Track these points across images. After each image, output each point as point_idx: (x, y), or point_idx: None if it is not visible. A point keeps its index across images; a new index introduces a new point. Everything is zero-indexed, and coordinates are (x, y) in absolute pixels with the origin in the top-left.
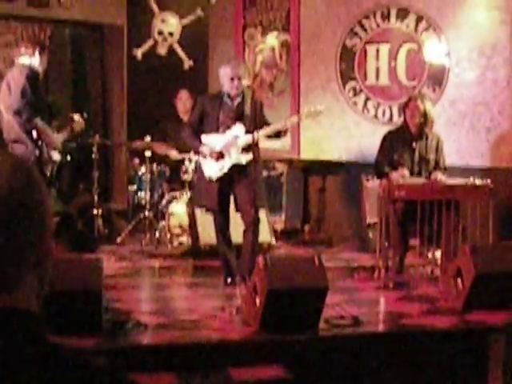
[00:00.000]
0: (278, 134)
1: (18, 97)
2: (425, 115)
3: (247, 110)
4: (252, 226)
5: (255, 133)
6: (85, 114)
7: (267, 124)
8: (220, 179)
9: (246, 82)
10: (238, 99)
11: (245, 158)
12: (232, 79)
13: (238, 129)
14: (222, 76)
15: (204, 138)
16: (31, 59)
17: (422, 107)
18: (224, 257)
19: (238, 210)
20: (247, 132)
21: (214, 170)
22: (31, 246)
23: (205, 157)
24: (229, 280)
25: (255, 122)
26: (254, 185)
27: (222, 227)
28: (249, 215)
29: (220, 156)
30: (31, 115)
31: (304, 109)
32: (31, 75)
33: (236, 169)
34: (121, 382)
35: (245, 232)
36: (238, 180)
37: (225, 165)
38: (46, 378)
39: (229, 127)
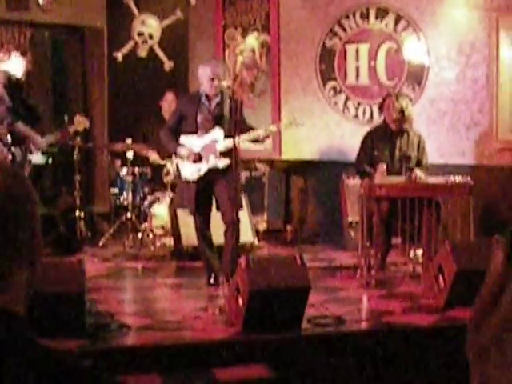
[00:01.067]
0: (256, 140)
1: None
2: (401, 112)
3: (226, 111)
4: (232, 226)
5: (235, 138)
6: (65, 117)
7: (246, 124)
8: (198, 181)
9: (225, 83)
10: (216, 100)
11: (222, 163)
12: (212, 79)
13: (217, 133)
14: (202, 75)
15: (182, 138)
16: (8, 64)
17: (398, 104)
18: (205, 257)
19: (218, 209)
20: (226, 136)
21: (190, 171)
22: (23, 249)
23: (182, 158)
24: (211, 280)
25: (234, 124)
26: (233, 186)
27: (202, 228)
28: (228, 216)
29: (197, 158)
30: (11, 122)
31: (284, 118)
32: (8, 81)
33: (214, 171)
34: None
35: (225, 232)
36: (217, 181)
37: (202, 167)
38: (36, 380)
39: (207, 129)
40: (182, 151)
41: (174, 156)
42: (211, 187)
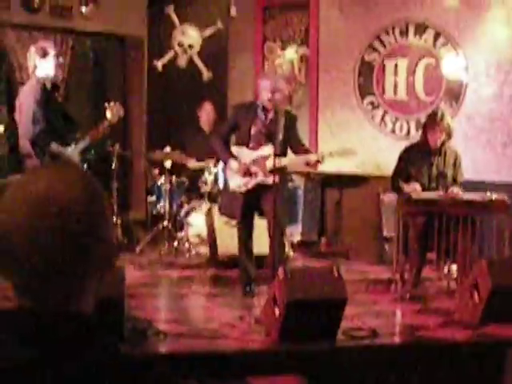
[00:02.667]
0: (308, 164)
1: (31, 126)
2: (448, 132)
3: (280, 127)
4: (276, 241)
5: (284, 159)
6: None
7: (301, 145)
8: (245, 193)
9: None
10: (272, 114)
11: (271, 180)
12: (273, 92)
13: (269, 149)
14: (263, 87)
15: (234, 149)
16: (45, 70)
17: (445, 123)
18: (243, 266)
19: (262, 216)
20: (277, 154)
21: (238, 183)
22: (99, 256)
23: (232, 170)
24: (247, 288)
25: (286, 141)
26: (279, 200)
27: (245, 239)
28: (274, 230)
29: (247, 172)
30: (45, 144)
31: (336, 147)
32: (43, 96)
33: (262, 186)
34: None
35: (271, 243)
36: (264, 195)
37: (250, 182)
38: (114, 380)
39: (259, 142)
40: (233, 164)
41: (215, 165)
42: (258, 201)
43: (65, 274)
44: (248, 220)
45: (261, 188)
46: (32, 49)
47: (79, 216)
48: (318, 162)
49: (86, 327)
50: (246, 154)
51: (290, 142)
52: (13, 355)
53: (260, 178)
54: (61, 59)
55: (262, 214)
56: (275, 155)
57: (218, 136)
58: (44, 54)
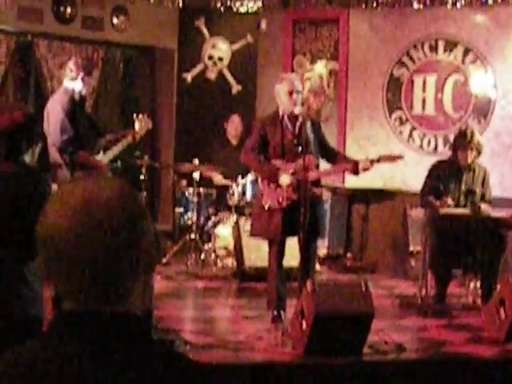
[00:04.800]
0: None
1: (59, 134)
2: (478, 150)
3: (309, 134)
4: (310, 261)
5: (329, 169)
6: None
7: (331, 147)
8: (285, 208)
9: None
10: (299, 120)
11: (314, 192)
12: (290, 93)
13: (309, 160)
14: (279, 93)
15: (274, 163)
16: (74, 83)
17: (475, 141)
18: (275, 291)
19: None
20: (317, 165)
21: (278, 199)
22: (142, 261)
23: (278, 186)
24: (276, 314)
25: (320, 150)
26: (316, 218)
27: (279, 259)
28: (308, 248)
29: (296, 185)
30: (73, 151)
31: (384, 153)
32: (70, 106)
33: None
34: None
35: (302, 262)
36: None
37: (292, 196)
38: (159, 374)
39: (295, 154)
40: (284, 179)
41: (243, 177)
42: (296, 217)
43: (110, 280)
44: (285, 239)
45: (300, 202)
46: (69, 64)
47: (120, 224)
48: (367, 169)
49: (135, 327)
50: (282, 168)
51: (323, 151)
52: (65, 355)
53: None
54: (90, 80)
55: (294, 233)
56: (317, 166)
57: (251, 150)
58: (74, 77)
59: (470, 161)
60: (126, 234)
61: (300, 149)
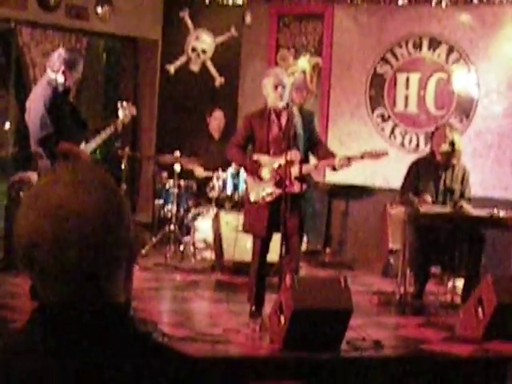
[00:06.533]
0: (334, 168)
1: (38, 129)
2: (452, 145)
3: (299, 128)
4: (295, 257)
5: (312, 165)
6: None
7: (320, 142)
8: (270, 203)
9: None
10: (286, 114)
11: (297, 188)
12: (276, 87)
13: (294, 154)
14: (265, 87)
15: (256, 157)
16: (56, 75)
17: (449, 136)
18: (255, 288)
19: (283, 235)
20: (302, 160)
21: (261, 194)
22: (122, 251)
23: (261, 180)
24: (255, 311)
25: (306, 144)
26: (302, 214)
27: (262, 257)
28: (294, 246)
29: (280, 180)
30: (53, 145)
31: (368, 147)
32: (53, 99)
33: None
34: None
35: (287, 260)
36: (289, 205)
37: (274, 191)
38: (140, 362)
39: (281, 149)
40: (264, 173)
41: (224, 170)
42: (279, 212)
43: (90, 274)
44: (269, 236)
45: (284, 197)
46: (53, 55)
47: (100, 221)
48: (345, 166)
49: (119, 315)
50: (268, 162)
51: (311, 144)
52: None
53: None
54: (73, 73)
55: (279, 229)
56: (301, 161)
57: (236, 145)
58: (57, 70)
59: (444, 152)
60: (107, 231)
61: (285, 144)
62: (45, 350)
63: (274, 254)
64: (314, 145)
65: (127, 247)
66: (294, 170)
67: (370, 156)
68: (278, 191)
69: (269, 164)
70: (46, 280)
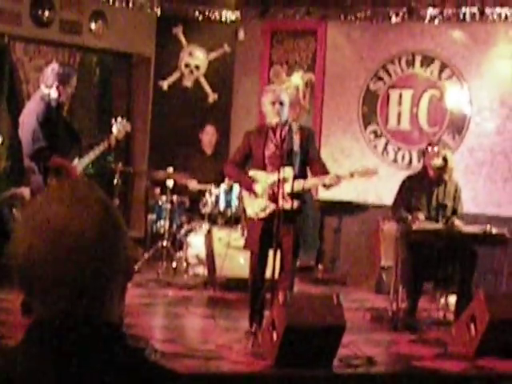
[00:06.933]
0: (325, 185)
1: (31, 143)
2: (444, 161)
3: (296, 145)
4: (289, 274)
5: (302, 182)
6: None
7: (318, 160)
8: (265, 219)
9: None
10: (284, 132)
11: (289, 204)
12: (273, 103)
13: (286, 172)
14: (264, 104)
15: (251, 173)
16: (50, 90)
17: (441, 153)
18: (252, 305)
19: (276, 251)
20: (297, 175)
21: (256, 210)
22: (118, 271)
23: (256, 195)
24: (253, 329)
25: (304, 161)
26: (297, 231)
27: (259, 273)
28: (288, 263)
29: (274, 195)
30: (46, 160)
31: (359, 167)
32: (46, 114)
33: (280, 212)
34: None
35: (281, 277)
36: (283, 223)
37: (268, 207)
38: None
39: (277, 166)
40: (258, 188)
41: (217, 187)
42: (273, 229)
43: (86, 292)
44: (265, 252)
45: (279, 214)
46: (47, 70)
47: (97, 238)
48: (335, 184)
49: (113, 336)
50: (263, 179)
51: (308, 162)
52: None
53: (280, 203)
54: (67, 89)
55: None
56: (296, 176)
57: (232, 162)
58: (50, 85)
59: (437, 169)
60: (103, 249)
61: (281, 160)
62: (41, 365)
63: (269, 271)
64: (311, 162)
65: (124, 264)
66: (287, 187)
67: (359, 175)
68: (272, 207)
69: (263, 180)
70: (41, 296)
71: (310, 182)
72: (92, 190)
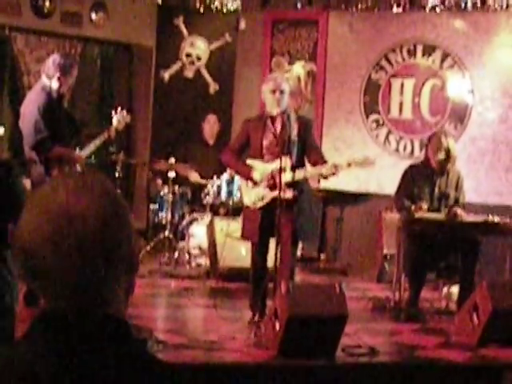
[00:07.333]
0: (322, 175)
1: (32, 134)
2: (447, 151)
3: (294, 135)
4: (289, 263)
5: (300, 172)
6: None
7: (316, 149)
8: (261, 210)
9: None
10: (281, 122)
11: (288, 194)
12: (273, 92)
13: (284, 161)
14: (264, 93)
15: (249, 162)
16: (51, 80)
17: (445, 143)
18: (254, 295)
19: (276, 241)
20: (295, 165)
21: (253, 199)
22: (124, 265)
23: (255, 184)
24: (256, 319)
25: (302, 151)
26: (296, 220)
27: (261, 263)
28: (287, 252)
29: (274, 183)
30: (47, 150)
31: (356, 157)
32: (47, 105)
33: (278, 201)
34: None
35: (281, 266)
36: (282, 212)
37: (266, 196)
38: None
39: (275, 155)
40: (256, 176)
41: (218, 177)
42: (274, 218)
43: (91, 284)
44: (265, 242)
45: (277, 203)
46: (48, 61)
47: (102, 227)
48: (333, 174)
49: (118, 327)
50: (261, 168)
51: (306, 151)
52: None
53: (276, 192)
54: (68, 79)
55: (273, 235)
56: (294, 165)
57: (231, 150)
58: (51, 75)
59: (440, 159)
60: (109, 237)
61: (279, 150)
62: (48, 357)
63: (271, 261)
64: (309, 151)
65: (127, 255)
66: (285, 177)
67: (357, 164)
68: (270, 196)
69: (261, 169)
70: (46, 285)
71: (308, 171)
72: (99, 178)
